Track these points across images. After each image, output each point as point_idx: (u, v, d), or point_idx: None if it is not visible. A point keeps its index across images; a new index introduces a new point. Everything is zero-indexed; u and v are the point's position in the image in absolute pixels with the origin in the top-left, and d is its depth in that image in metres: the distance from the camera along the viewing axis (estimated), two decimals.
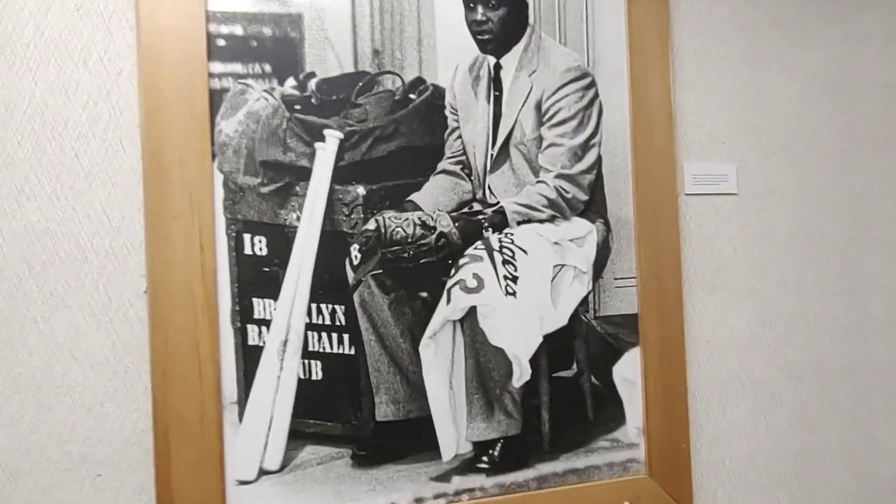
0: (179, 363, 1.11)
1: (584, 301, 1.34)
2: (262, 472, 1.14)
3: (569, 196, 1.33)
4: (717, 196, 1.45)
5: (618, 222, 1.36)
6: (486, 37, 1.29)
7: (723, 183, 1.45)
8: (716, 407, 1.43)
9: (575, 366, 1.33)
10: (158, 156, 1.11)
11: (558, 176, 1.32)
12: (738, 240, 1.46)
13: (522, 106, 1.31)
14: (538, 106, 1.31)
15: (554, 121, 1.32)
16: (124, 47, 1.12)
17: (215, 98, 1.15)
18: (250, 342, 1.15)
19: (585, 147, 1.34)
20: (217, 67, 1.15)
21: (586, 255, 1.34)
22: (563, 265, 1.32)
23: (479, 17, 1.29)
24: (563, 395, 1.32)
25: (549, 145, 1.32)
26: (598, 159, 1.35)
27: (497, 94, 1.30)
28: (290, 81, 1.19)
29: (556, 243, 1.32)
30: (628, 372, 1.35)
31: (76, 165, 1.10)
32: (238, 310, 1.15)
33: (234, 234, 1.15)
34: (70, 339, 1.08)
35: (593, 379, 1.34)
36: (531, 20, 1.32)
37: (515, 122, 1.30)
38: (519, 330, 1.28)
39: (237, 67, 1.17)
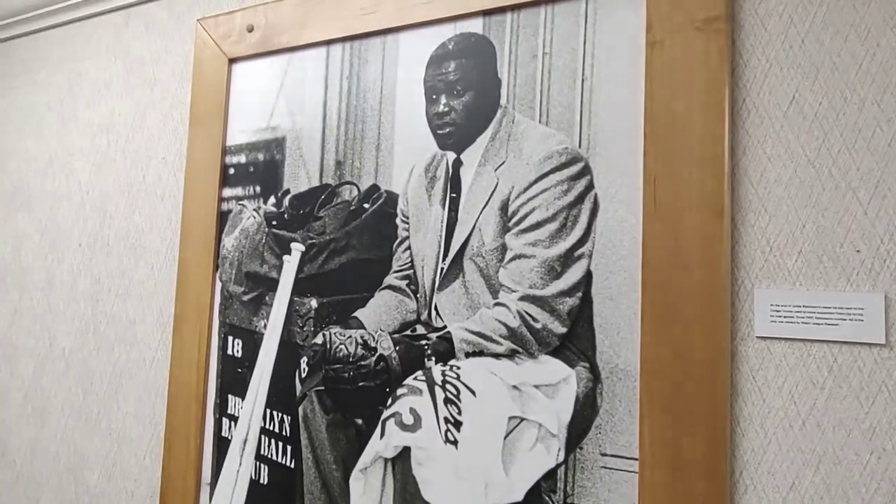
0: (179, 442, 0.99)
1: (551, 476, 0.70)
2: None
3: (537, 326, 0.72)
4: (834, 345, 0.60)
5: (613, 371, 0.68)
6: (447, 129, 0.81)
7: (850, 322, 0.59)
8: None
9: None
10: (185, 268, 1.02)
11: (525, 298, 0.73)
12: (886, 429, 0.57)
13: (484, 208, 0.77)
14: (504, 207, 0.76)
15: (523, 225, 0.74)
16: (182, 184, 1.08)
17: (223, 218, 1.00)
18: (223, 433, 0.96)
19: (567, 259, 0.72)
20: (227, 192, 1.01)
21: (558, 412, 0.70)
22: (522, 419, 0.72)
23: (440, 108, 0.82)
24: None
25: (515, 257, 0.75)
26: (587, 276, 0.70)
27: (454, 195, 0.80)
28: (272, 199, 0.96)
29: (515, 388, 0.73)
30: None
31: (151, 274, 1.09)
32: (218, 403, 0.97)
33: (222, 336, 0.98)
34: (137, 403, 1.07)
35: None
36: (503, 101, 0.78)
37: (473, 228, 0.78)
38: (457, 490, 0.75)
39: (239, 191, 1.00)
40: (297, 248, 0.91)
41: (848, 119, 0.61)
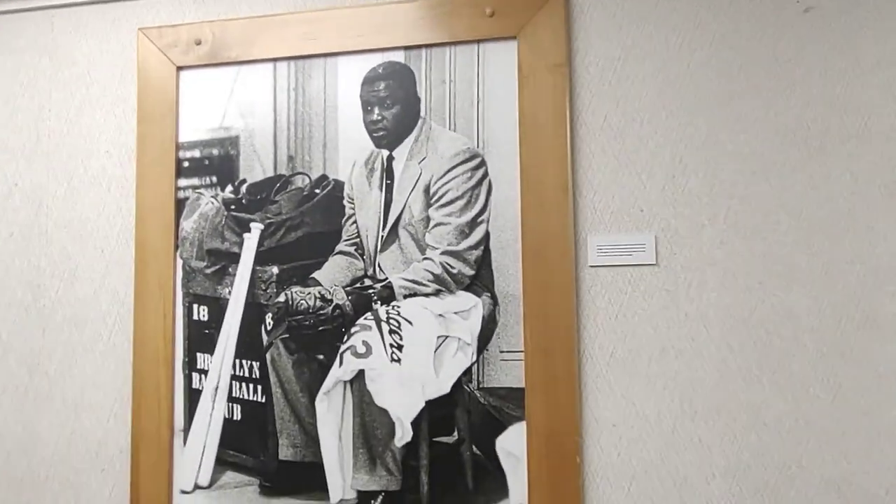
0: (148, 398, 1.15)
1: (468, 371, 1.05)
2: (197, 487, 1.13)
3: (454, 271, 1.06)
4: (630, 268, 1.01)
5: (505, 297, 1.04)
6: (381, 133, 1.11)
7: (638, 253, 1.01)
8: (623, 499, 0.99)
9: (456, 433, 1.05)
10: (143, 249, 1.18)
11: (444, 252, 1.06)
12: (660, 317, 1.00)
13: (412, 191, 1.09)
14: (427, 189, 1.08)
15: (441, 202, 1.07)
16: (131, 175, 1.22)
17: (180, 205, 1.19)
18: (194, 386, 1.15)
19: (473, 224, 1.06)
20: (182, 182, 1.19)
21: (471, 328, 1.05)
22: (447, 336, 1.06)
23: (375, 117, 1.11)
24: (444, 461, 1.04)
25: (436, 224, 1.07)
26: (486, 235, 1.05)
27: (389, 182, 1.10)
28: (229, 187, 1.17)
29: (440, 315, 1.06)
30: (513, 446, 1.02)
31: (101, 258, 1.23)
32: (187, 361, 1.16)
33: (187, 305, 1.17)
34: (95, 373, 1.21)
35: (475, 449, 1.04)
36: (423, 113, 1.10)
37: (405, 205, 1.09)
38: (402, 394, 1.06)
39: (195, 181, 1.19)
40: (257, 227, 1.14)
41: (637, 131, 1.02)
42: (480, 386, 1.04)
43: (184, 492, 1.13)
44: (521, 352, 1.02)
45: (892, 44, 0.96)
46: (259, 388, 1.12)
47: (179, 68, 1.20)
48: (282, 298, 1.12)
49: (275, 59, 1.16)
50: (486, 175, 1.06)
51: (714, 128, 1.00)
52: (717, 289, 0.98)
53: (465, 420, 1.04)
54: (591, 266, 1.02)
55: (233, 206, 1.16)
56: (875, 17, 0.97)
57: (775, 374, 0.96)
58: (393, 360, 1.06)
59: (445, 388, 1.04)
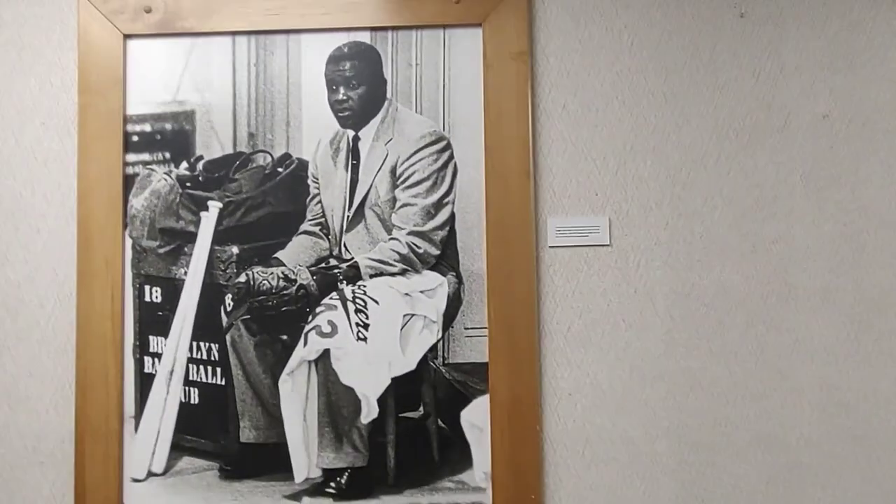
0: (94, 385, 1.10)
1: (434, 348, 1.09)
2: (150, 474, 1.09)
3: (420, 251, 1.09)
4: (586, 248, 1.09)
5: (470, 275, 1.09)
6: (346, 113, 1.11)
7: (593, 234, 1.09)
8: (579, 462, 1.07)
9: (422, 408, 1.09)
10: (87, 228, 1.12)
11: (410, 233, 1.09)
12: (613, 293, 1.09)
13: (378, 171, 1.10)
14: (393, 171, 1.10)
15: (408, 183, 1.10)
16: (71, 149, 1.15)
17: (129, 181, 1.13)
18: (146, 370, 1.11)
19: (439, 205, 1.09)
20: (131, 157, 1.13)
21: (436, 306, 1.09)
22: (413, 314, 1.09)
23: (340, 96, 1.11)
24: (410, 435, 1.08)
25: (403, 205, 1.10)
26: (452, 216, 1.09)
27: (355, 162, 1.11)
28: (184, 164, 1.13)
29: (406, 294, 1.09)
30: (476, 418, 1.07)
31: (38, 237, 1.15)
32: (138, 344, 1.11)
33: (137, 286, 1.12)
34: (30, 362, 1.13)
35: (440, 422, 1.08)
36: (389, 95, 1.11)
37: (371, 186, 1.10)
38: (368, 372, 1.08)
39: (145, 156, 1.14)
40: (215, 205, 1.12)
41: (592, 119, 1.10)
42: (445, 362, 1.08)
43: (136, 480, 1.09)
44: (485, 328, 1.07)
45: (811, 50, 1.10)
46: (218, 370, 1.10)
47: (127, 37, 1.14)
48: (242, 279, 1.10)
49: (234, 33, 1.13)
50: (451, 158, 1.09)
51: (661, 119, 1.10)
52: (662, 267, 1.08)
53: (430, 395, 1.08)
54: (551, 246, 1.09)
55: (188, 184, 1.12)
56: (798, 26, 1.10)
57: (711, 343, 1.07)
58: (359, 338, 1.08)
59: (411, 365, 1.08)
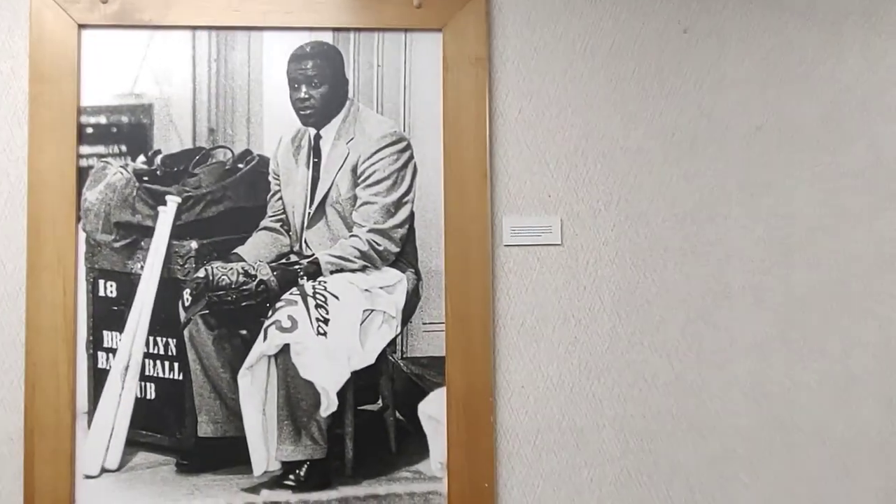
0: (44, 380, 1.08)
1: (392, 343, 1.12)
2: (104, 470, 1.08)
3: (380, 248, 1.12)
4: (539, 247, 1.15)
5: (428, 272, 1.13)
6: (308, 112, 1.13)
7: (546, 234, 1.15)
8: (530, 451, 1.13)
9: (380, 401, 1.12)
10: (38, 221, 1.10)
11: (371, 230, 1.12)
12: (563, 290, 1.15)
13: (339, 170, 1.13)
14: (354, 169, 1.13)
15: (368, 181, 1.12)
16: (21, 139, 1.13)
17: (83, 174, 1.12)
18: (100, 365, 1.10)
19: (398, 204, 1.13)
20: (85, 150, 1.12)
21: (395, 302, 1.12)
22: (372, 310, 1.12)
23: (302, 95, 1.13)
24: (368, 427, 1.11)
25: (363, 203, 1.12)
26: (411, 215, 1.13)
27: (316, 160, 1.13)
28: (141, 158, 1.13)
29: (366, 290, 1.12)
30: (433, 410, 1.11)
31: None
32: (91, 340, 1.10)
33: (91, 280, 1.11)
34: None
35: (398, 414, 1.12)
36: (351, 94, 1.14)
37: (332, 184, 1.13)
38: (328, 366, 1.10)
39: (100, 149, 1.12)
40: (173, 200, 1.12)
41: (546, 124, 1.15)
42: (404, 356, 1.12)
43: (89, 476, 1.08)
44: (442, 323, 1.11)
45: (748, 65, 1.18)
46: (175, 365, 1.10)
47: (81, 26, 1.12)
48: (201, 274, 1.11)
49: (194, 28, 1.13)
50: (411, 158, 1.13)
51: (609, 125, 1.16)
52: (609, 266, 1.15)
53: (389, 388, 1.11)
54: (506, 245, 1.14)
55: (146, 178, 1.12)
56: (736, 42, 1.18)
57: (653, 338, 1.15)
58: (319, 333, 1.10)
59: (370, 359, 1.11)
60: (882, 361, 1.18)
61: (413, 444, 1.11)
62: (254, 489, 1.09)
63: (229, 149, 1.13)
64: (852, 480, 1.16)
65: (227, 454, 1.09)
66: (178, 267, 1.11)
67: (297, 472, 1.09)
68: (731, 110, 1.17)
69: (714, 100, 1.17)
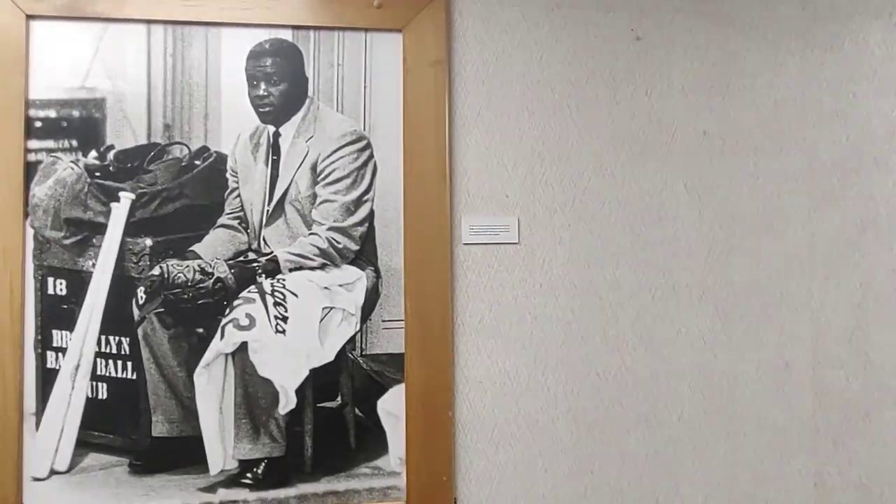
0: None
1: (352, 340, 1.14)
2: (53, 472, 1.06)
3: (340, 246, 1.13)
4: (497, 246, 1.18)
5: (388, 270, 1.15)
6: (267, 109, 1.13)
7: (503, 233, 1.18)
8: (487, 444, 1.16)
9: (339, 398, 1.13)
10: None
11: (330, 228, 1.13)
12: (520, 288, 1.18)
13: (299, 168, 1.13)
14: (314, 167, 1.13)
15: (328, 180, 1.13)
16: None
17: (31, 169, 1.09)
18: (48, 365, 1.07)
19: (358, 202, 1.14)
20: (34, 144, 1.09)
21: (355, 299, 1.13)
22: (332, 308, 1.13)
23: (261, 92, 1.13)
24: (327, 424, 1.12)
25: (323, 201, 1.13)
26: (371, 213, 1.14)
27: (275, 158, 1.14)
28: (93, 153, 1.10)
29: (326, 288, 1.13)
30: (392, 406, 1.13)
31: None
32: (40, 339, 1.08)
33: (39, 278, 1.08)
34: None
35: (357, 411, 1.13)
36: (310, 93, 1.14)
37: (291, 182, 1.13)
38: (286, 363, 1.11)
39: (50, 143, 1.10)
40: (127, 196, 1.10)
41: (504, 127, 1.19)
42: (363, 353, 1.13)
43: (37, 479, 1.05)
44: (402, 321, 1.13)
45: (696, 73, 1.25)
46: (129, 364, 1.09)
47: (30, 17, 1.09)
48: (156, 272, 1.09)
49: (149, 21, 1.11)
50: (371, 157, 1.14)
51: (565, 130, 1.20)
52: (564, 264, 1.19)
53: (348, 385, 1.13)
54: (465, 244, 1.17)
55: (98, 174, 1.10)
56: (685, 51, 1.24)
57: (605, 333, 1.20)
58: (278, 331, 1.11)
59: (330, 357, 1.12)
60: (815, 353, 1.26)
61: (372, 441, 1.12)
62: (210, 488, 1.08)
63: (186, 145, 1.12)
64: (787, 463, 1.24)
65: (183, 454, 1.08)
66: (132, 265, 1.09)
67: (255, 470, 1.09)
68: (679, 116, 1.24)
69: (663, 106, 1.23)
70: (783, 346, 1.25)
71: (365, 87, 1.15)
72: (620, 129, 1.22)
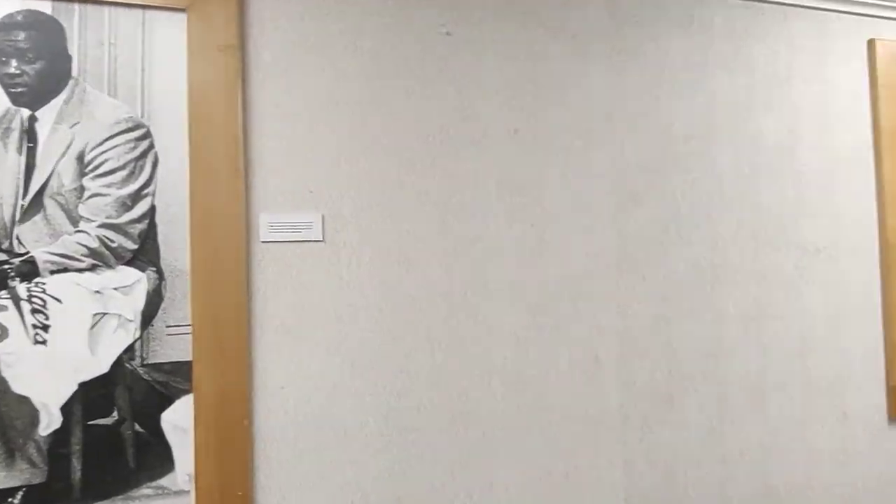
0: None
1: (130, 349, 1.03)
2: None
3: (114, 245, 1.02)
4: (299, 244, 1.13)
5: (173, 271, 1.05)
6: (20, 90, 0.99)
7: (306, 231, 1.13)
8: (290, 454, 1.11)
9: (116, 413, 1.03)
10: None
11: (102, 225, 1.02)
12: (326, 287, 1.14)
13: (62, 157, 1.01)
14: (80, 157, 1.01)
15: (99, 171, 1.02)
16: None
17: None
18: None
19: (136, 197, 1.04)
20: None
21: (133, 304, 1.03)
22: (105, 313, 1.02)
23: (12, 70, 0.99)
24: (101, 443, 1.02)
25: (93, 195, 1.02)
26: (152, 209, 1.04)
27: (31, 145, 1.00)
28: None
29: (97, 292, 1.02)
30: (179, 419, 1.05)
31: None
32: None
33: None
34: None
35: (137, 426, 1.04)
36: (74, 73, 1.02)
37: (52, 173, 1.00)
38: (48, 378, 0.99)
39: None
40: None
41: (307, 119, 1.13)
42: (144, 362, 1.04)
43: None
44: (189, 325, 1.05)
45: (506, 72, 1.26)
46: None
47: None
48: None
49: None
50: (151, 147, 1.04)
51: (373, 124, 1.17)
52: (372, 262, 1.16)
53: (125, 399, 1.03)
54: (263, 242, 1.10)
55: None
56: (495, 51, 1.25)
57: (416, 331, 1.19)
58: (37, 342, 0.98)
59: (104, 368, 1.01)
60: (623, 345, 1.33)
61: (155, 458, 1.03)
62: None
63: None
64: (598, 453, 1.30)
65: None
66: None
67: (10, 500, 0.97)
68: (491, 114, 1.24)
69: (474, 103, 1.23)
70: (592, 340, 1.31)
71: (142, 70, 1.04)
72: (431, 126, 1.21)
